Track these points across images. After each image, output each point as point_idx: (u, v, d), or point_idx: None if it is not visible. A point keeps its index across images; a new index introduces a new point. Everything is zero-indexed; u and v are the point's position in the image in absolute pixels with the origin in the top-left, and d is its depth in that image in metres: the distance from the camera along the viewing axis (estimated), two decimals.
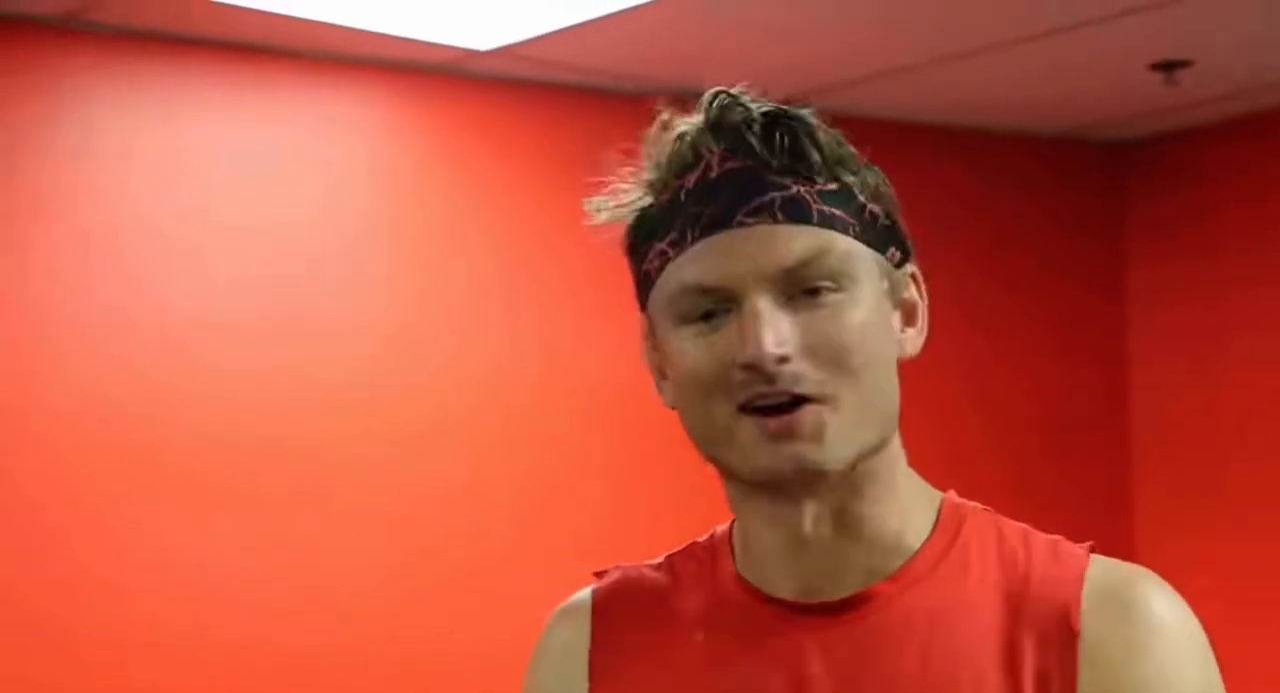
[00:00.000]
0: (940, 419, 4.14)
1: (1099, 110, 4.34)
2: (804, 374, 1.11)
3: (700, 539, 1.28)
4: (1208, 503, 4.36)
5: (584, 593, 1.30)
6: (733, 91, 1.17)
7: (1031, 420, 4.45)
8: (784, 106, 1.17)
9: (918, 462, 1.23)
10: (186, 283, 3.52)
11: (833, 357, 1.11)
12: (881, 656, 1.15)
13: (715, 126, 1.16)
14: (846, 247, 1.14)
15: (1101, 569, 1.17)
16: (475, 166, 3.91)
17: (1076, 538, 1.22)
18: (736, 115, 1.15)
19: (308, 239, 3.69)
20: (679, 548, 1.29)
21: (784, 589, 1.17)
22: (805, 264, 1.12)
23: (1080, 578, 1.15)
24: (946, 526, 1.20)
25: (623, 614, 1.27)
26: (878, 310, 1.15)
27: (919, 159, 4.36)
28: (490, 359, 3.68)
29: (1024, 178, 4.59)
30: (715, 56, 3.63)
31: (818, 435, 1.11)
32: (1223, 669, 1.21)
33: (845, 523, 1.16)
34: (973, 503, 1.24)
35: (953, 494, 1.24)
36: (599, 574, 1.30)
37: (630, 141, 1.23)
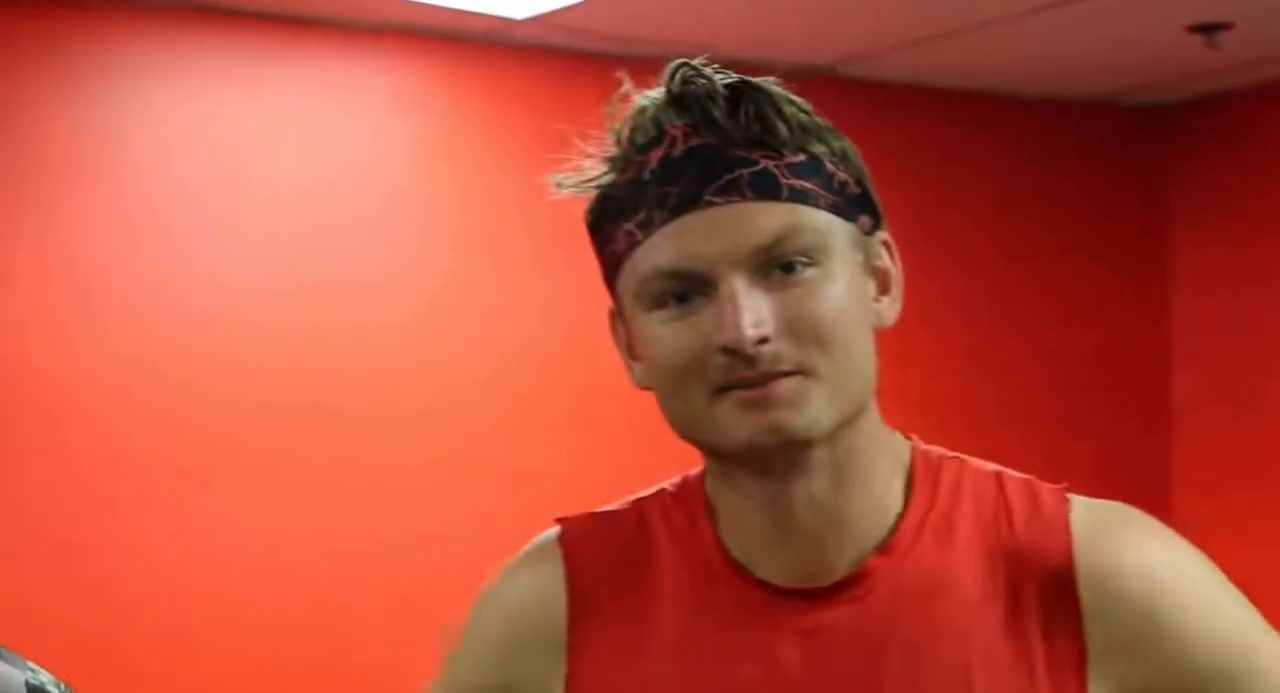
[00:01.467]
0: (963, 396, 4.17)
1: (1136, 74, 4.34)
2: (783, 353, 1.09)
3: (668, 487, 1.23)
4: (1248, 471, 4.37)
5: (549, 541, 1.24)
6: (695, 63, 1.13)
7: (1062, 398, 4.51)
8: (747, 79, 1.13)
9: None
10: (229, 252, 3.59)
11: (811, 333, 1.10)
12: (886, 635, 1.14)
13: (679, 100, 1.13)
14: (819, 221, 1.11)
15: (1084, 514, 1.15)
16: (508, 134, 3.92)
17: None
18: (700, 88, 1.12)
19: (346, 207, 3.75)
20: (647, 493, 1.24)
21: (773, 573, 1.15)
22: (778, 242, 1.10)
23: (1067, 526, 1.15)
24: (923, 484, 1.18)
25: (596, 568, 1.21)
26: (852, 282, 1.13)
27: (948, 125, 4.40)
28: (524, 326, 3.74)
29: (1056, 143, 4.62)
30: (748, 24, 3.66)
31: (798, 403, 1.09)
32: None
33: (835, 505, 1.14)
34: (936, 448, 1.21)
35: (917, 441, 1.21)
36: (563, 520, 1.24)
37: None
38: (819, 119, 1.15)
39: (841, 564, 1.14)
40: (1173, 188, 4.64)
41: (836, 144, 1.14)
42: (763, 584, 1.14)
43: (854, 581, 1.14)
